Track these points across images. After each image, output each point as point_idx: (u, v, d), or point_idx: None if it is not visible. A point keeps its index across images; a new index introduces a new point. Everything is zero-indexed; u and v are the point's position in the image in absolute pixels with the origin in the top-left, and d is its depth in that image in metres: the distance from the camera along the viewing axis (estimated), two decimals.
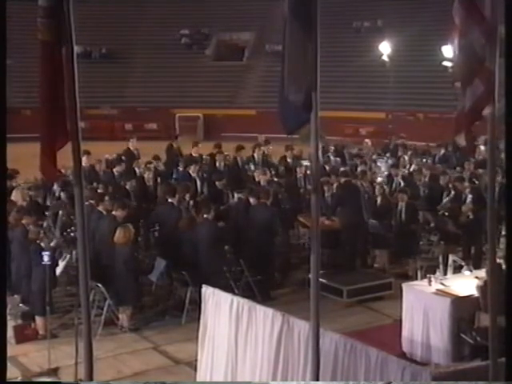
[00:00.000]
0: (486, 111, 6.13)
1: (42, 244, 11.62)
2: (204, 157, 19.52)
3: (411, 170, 18.72)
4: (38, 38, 5.13)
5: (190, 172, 17.02)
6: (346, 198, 14.79)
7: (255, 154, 19.48)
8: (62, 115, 5.20)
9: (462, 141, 6.31)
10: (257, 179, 16.41)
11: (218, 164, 18.75)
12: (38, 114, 5.32)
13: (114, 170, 17.77)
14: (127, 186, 16.04)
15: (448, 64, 29.83)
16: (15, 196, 14.69)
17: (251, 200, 13.92)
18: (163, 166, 18.76)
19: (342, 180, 15.45)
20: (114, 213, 12.81)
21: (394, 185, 17.11)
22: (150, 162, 17.89)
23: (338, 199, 15.09)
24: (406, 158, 20.39)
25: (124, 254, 11.92)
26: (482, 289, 9.92)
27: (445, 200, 15.50)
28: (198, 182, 16.77)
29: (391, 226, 14.71)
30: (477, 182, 15.96)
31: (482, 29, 5.94)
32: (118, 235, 11.97)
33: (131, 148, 19.94)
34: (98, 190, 14.81)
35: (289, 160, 19.39)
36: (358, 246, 14.80)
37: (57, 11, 5.09)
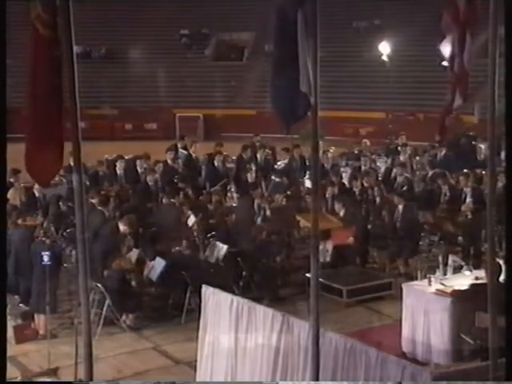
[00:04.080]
0: (456, 104, 6.86)
1: (43, 242, 11.61)
2: (201, 158, 19.48)
3: (410, 169, 18.70)
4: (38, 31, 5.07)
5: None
6: None
7: (258, 155, 19.48)
8: (59, 111, 5.16)
9: (437, 136, 6.99)
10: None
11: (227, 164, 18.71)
12: (34, 111, 5.24)
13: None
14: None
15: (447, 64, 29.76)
16: (11, 195, 14.66)
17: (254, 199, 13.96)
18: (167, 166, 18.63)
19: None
20: (120, 227, 12.69)
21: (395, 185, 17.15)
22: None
23: None
24: (402, 158, 20.30)
25: (119, 276, 11.94)
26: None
27: None
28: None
29: (390, 226, 14.69)
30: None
31: (456, 38, 6.45)
32: (115, 265, 11.92)
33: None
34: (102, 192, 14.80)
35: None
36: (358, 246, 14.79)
37: (57, 10, 5.08)
